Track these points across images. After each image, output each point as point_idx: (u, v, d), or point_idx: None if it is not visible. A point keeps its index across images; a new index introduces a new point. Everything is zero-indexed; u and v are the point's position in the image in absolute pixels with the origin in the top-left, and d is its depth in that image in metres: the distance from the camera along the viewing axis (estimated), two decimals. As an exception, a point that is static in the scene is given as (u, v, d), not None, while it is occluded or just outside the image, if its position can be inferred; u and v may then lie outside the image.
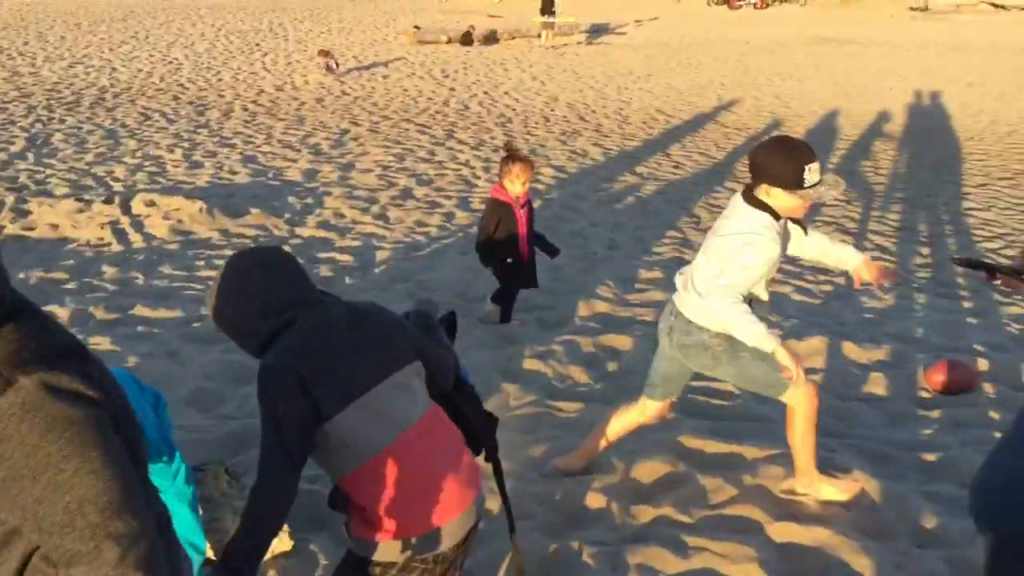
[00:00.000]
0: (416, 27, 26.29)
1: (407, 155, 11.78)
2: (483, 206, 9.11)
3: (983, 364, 5.31)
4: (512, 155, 5.61)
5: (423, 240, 7.90)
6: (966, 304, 6.63)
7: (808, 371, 5.15)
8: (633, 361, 5.19)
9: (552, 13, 25.53)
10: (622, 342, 5.49)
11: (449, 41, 25.53)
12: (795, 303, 6.54)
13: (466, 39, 25.22)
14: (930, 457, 4.13)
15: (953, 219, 9.40)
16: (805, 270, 7.36)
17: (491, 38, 26.49)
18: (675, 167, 11.76)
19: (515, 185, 5.54)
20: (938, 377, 4.92)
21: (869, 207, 9.80)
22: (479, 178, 10.59)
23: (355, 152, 11.85)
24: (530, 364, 5.10)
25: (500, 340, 5.52)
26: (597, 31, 30.52)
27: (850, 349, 5.40)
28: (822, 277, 7.17)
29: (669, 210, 9.38)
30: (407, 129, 13.77)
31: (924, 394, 4.92)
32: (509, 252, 5.61)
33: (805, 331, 5.74)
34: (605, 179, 10.83)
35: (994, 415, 4.60)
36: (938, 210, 9.79)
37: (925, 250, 8.16)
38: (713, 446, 4.13)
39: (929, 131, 15.23)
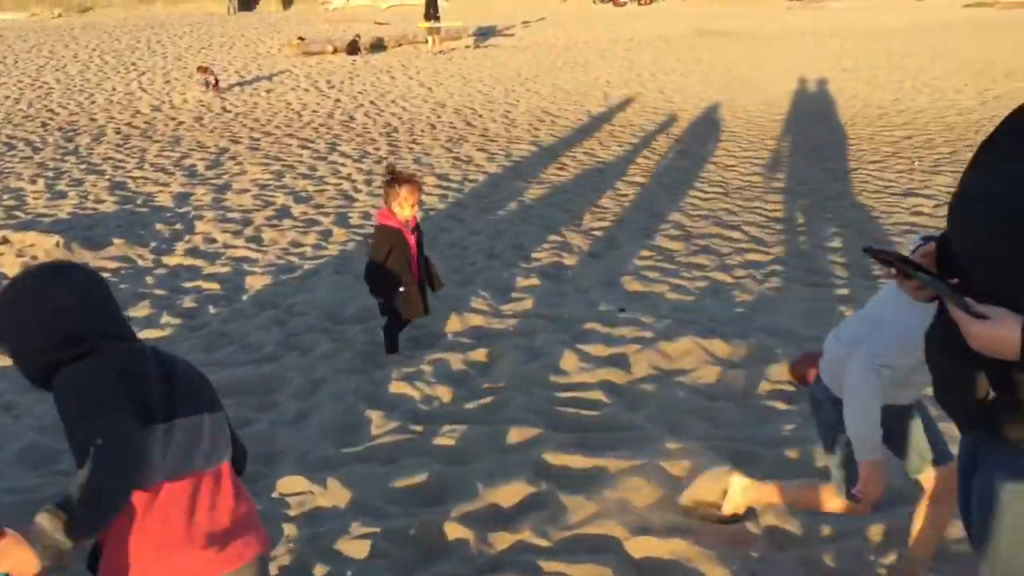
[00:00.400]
0: (300, 38, 25.80)
1: (287, 172, 11.47)
2: (364, 222, 8.94)
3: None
4: (397, 177, 5.27)
5: (297, 261, 7.66)
6: (837, 291, 6.73)
7: (678, 372, 5.16)
8: (503, 376, 5.09)
9: (436, 18, 25.37)
10: (494, 356, 5.38)
11: (335, 51, 25.13)
12: (669, 302, 6.54)
13: (352, 48, 24.86)
14: (792, 454, 4.14)
15: (825, 205, 9.61)
16: (681, 267, 7.39)
17: (378, 46, 26.18)
18: (559, 168, 11.74)
19: (404, 209, 5.21)
20: (802, 369, 4.95)
21: (745, 198, 9.94)
22: (360, 191, 10.37)
23: (232, 172, 11.48)
24: (397, 388, 4.95)
25: (368, 363, 5.35)
26: (484, 34, 30.48)
27: (719, 347, 5.41)
28: (697, 274, 7.20)
29: (551, 214, 9.33)
30: (289, 144, 13.44)
31: (789, 387, 4.94)
32: (401, 282, 5.26)
33: (678, 330, 5.74)
34: (489, 185, 10.73)
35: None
36: (812, 197, 9.99)
37: (799, 239, 8.30)
38: (579, 461, 4.05)
39: (806, 117, 15.61)
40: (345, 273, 7.31)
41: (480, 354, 5.43)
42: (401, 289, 5.27)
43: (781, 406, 4.70)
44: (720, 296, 6.65)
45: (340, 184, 10.77)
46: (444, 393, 4.87)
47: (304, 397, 4.84)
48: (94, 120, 15.70)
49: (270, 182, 10.87)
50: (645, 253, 7.83)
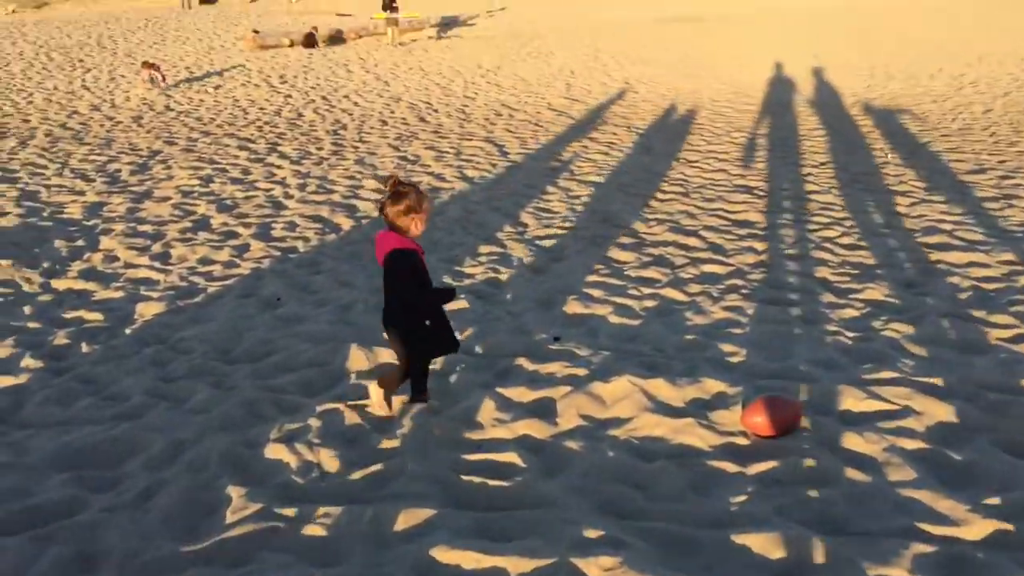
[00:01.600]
0: (255, 31, 24.75)
1: (217, 176, 10.55)
2: (286, 234, 8.05)
3: (806, 392, 4.56)
4: (412, 190, 4.30)
5: (201, 283, 6.76)
6: (795, 311, 5.91)
7: (611, 423, 4.33)
8: (404, 432, 4.23)
9: (394, 8, 24.37)
10: (397, 404, 4.52)
11: (292, 44, 24.13)
12: (612, 327, 5.70)
13: (309, 41, 23.86)
14: (740, 540, 3.31)
15: (791, 206, 8.79)
16: (629, 283, 6.55)
17: (337, 38, 25.18)
18: (509, 167, 10.88)
19: (420, 226, 4.33)
20: (756, 419, 4.13)
21: (706, 199, 9.11)
22: (291, 198, 9.48)
23: (158, 178, 10.55)
24: (272, 452, 4.08)
25: (249, 416, 4.47)
26: (447, 24, 29.50)
27: (661, 389, 4.57)
28: (646, 291, 6.37)
29: (494, 220, 8.47)
30: (227, 145, 12.51)
31: (742, 440, 4.12)
32: (429, 313, 4.46)
33: (616, 366, 4.90)
34: (433, 187, 9.86)
35: (811, 464, 3.83)
36: (776, 196, 9.18)
37: (760, 246, 7.48)
38: (472, 559, 3.21)
39: (775, 107, 14.80)
40: (251, 296, 6.43)
41: (382, 402, 4.57)
42: (428, 323, 4.46)
43: (731, 468, 3.88)
44: (669, 319, 5.81)
45: (271, 190, 9.87)
46: (328, 459, 4.00)
47: (157, 467, 3.97)
48: (27, 121, 14.70)
49: (195, 188, 9.95)
50: (592, 266, 6.99)
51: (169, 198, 9.53)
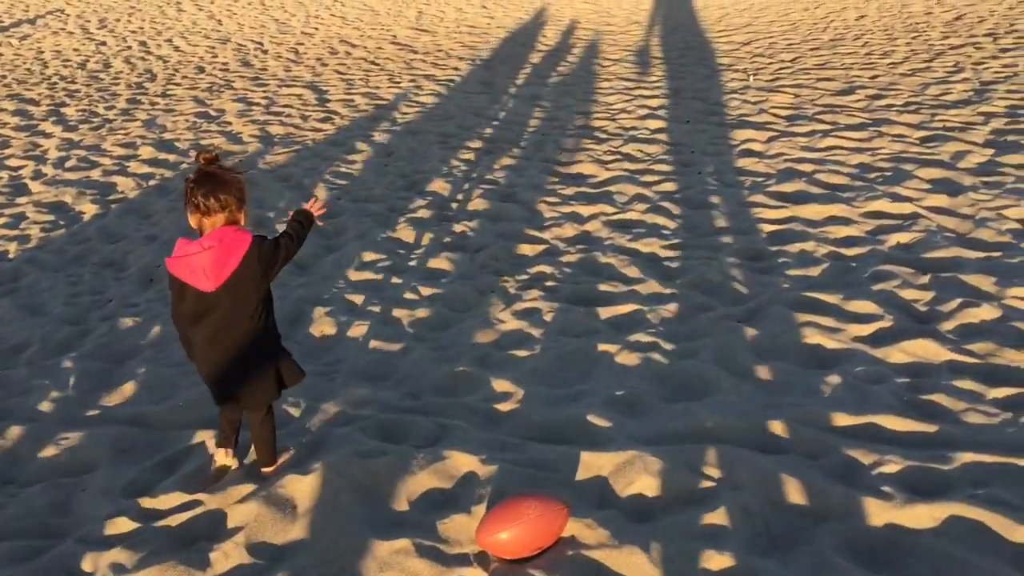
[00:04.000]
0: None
1: (-37, 154, 8.56)
2: (12, 232, 6.27)
3: (586, 467, 3.14)
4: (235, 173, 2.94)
5: None
6: (605, 313, 4.46)
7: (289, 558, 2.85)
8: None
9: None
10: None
11: (123, -18, 21.37)
12: (362, 359, 4.17)
13: (142, -23, 21.13)
14: None
15: (632, 151, 7.34)
16: (412, 278, 5.02)
17: (176, -27, 22.46)
18: (324, 118, 9.15)
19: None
20: (497, 536, 2.71)
21: (537, 145, 7.58)
22: (41, 178, 7.60)
23: None
24: None
25: None
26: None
27: (380, 478, 3.10)
28: (427, 291, 4.85)
29: (271, 193, 6.81)
30: (3, 110, 10.41)
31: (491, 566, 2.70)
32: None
33: (330, 440, 3.40)
34: (224, 151, 8.08)
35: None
36: (617, 139, 7.71)
37: (585, 210, 6.02)
38: None
39: (637, 26, 13.24)
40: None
41: None
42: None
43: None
44: (440, 338, 4.32)
45: (21, 168, 7.97)
46: None
47: None
48: None
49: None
50: (364, 257, 5.43)
51: None
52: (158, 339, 4.48)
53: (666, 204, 5.99)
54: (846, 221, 5.43)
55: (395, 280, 5.06)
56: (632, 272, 4.91)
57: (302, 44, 13.82)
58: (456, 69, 11.21)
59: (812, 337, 4.03)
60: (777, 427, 3.29)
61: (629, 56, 11.30)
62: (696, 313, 4.37)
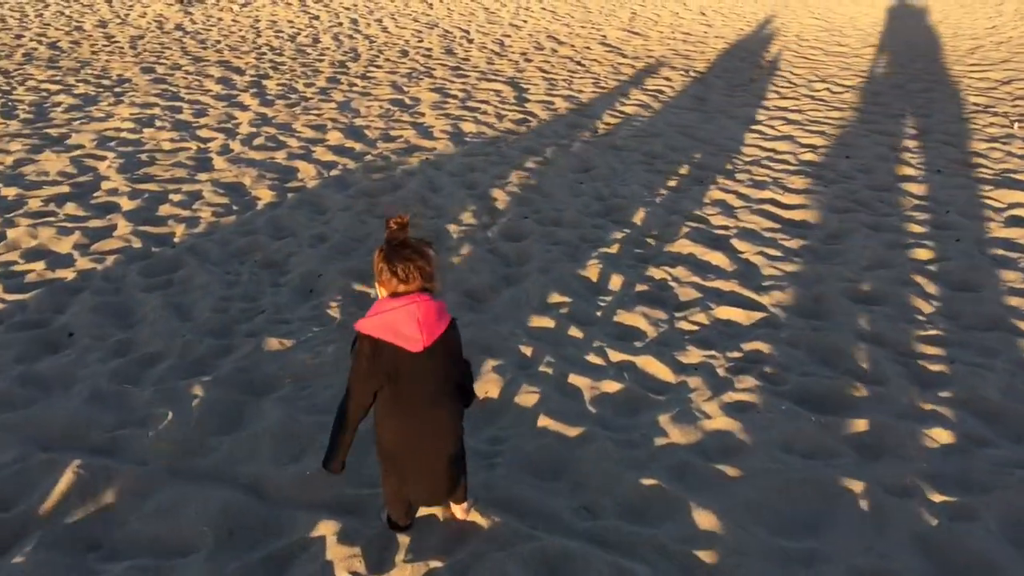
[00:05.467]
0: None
1: (162, 117, 8.43)
2: (177, 210, 5.89)
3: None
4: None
5: (-1, 293, 4.68)
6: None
7: None
8: None
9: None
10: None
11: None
12: (524, 448, 3.36)
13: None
14: None
15: (870, 198, 6.15)
16: (598, 335, 4.16)
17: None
18: (520, 120, 8.43)
19: None
20: None
21: (756, 182, 6.53)
22: (227, 153, 7.28)
23: (94, 116, 8.48)
24: None
25: None
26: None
27: None
28: (616, 357, 3.97)
29: (455, 201, 6.12)
30: (209, 76, 10.35)
31: None
32: None
33: None
34: (409, 146, 7.52)
35: None
36: (853, 183, 6.52)
37: (816, 270, 4.94)
38: None
39: (874, 50, 11.78)
40: (39, 328, 4.31)
41: None
42: None
43: None
44: (622, 425, 3.44)
45: (211, 140, 7.69)
46: None
47: None
48: (19, 38, 12.84)
49: (121, 134, 7.84)
50: (548, 294, 4.61)
51: (81, 146, 7.46)
52: (303, 370, 3.84)
53: (918, 278, 4.84)
54: None
55: (577, 333, 4.21)
56: (878, 369, 3.84)
57: (508, 36, 13.23)
58: (667, 79, 10.23)
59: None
60: None
61: (863, 83, 9.95)
62: (970, 447, 3.27)
